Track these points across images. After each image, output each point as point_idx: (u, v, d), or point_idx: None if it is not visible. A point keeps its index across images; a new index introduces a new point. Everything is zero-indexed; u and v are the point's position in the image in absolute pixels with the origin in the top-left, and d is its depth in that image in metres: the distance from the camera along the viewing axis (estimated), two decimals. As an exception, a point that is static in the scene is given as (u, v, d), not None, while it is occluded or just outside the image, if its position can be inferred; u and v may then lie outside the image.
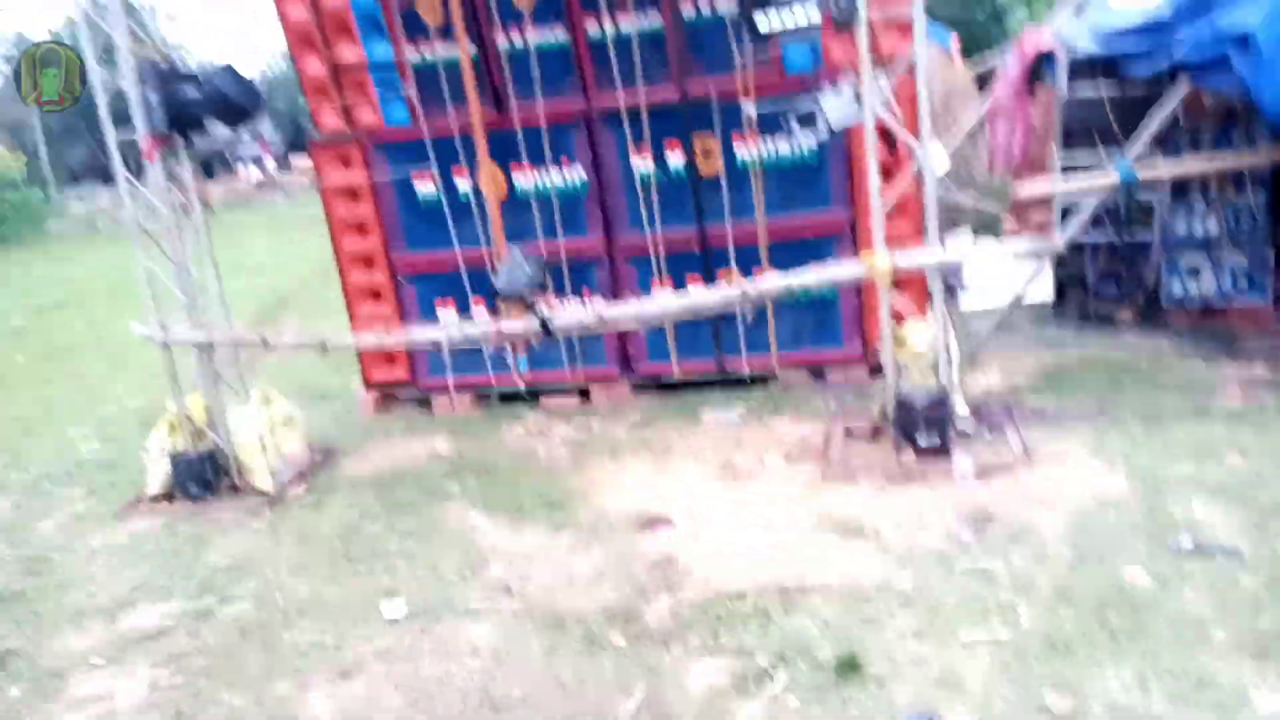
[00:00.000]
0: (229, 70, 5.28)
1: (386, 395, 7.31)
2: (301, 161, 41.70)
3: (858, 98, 4.57)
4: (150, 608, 4.35)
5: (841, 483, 4.73)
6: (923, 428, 4.72)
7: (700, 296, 4.92)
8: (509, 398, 6.98)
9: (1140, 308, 6.71)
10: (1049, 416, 5.32)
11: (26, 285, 18.67)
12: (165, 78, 5.10)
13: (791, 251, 6.24)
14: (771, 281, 4.74)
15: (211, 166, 48.58)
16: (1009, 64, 7.74)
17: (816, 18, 4.35)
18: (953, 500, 4.40)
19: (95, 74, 5.34)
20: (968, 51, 13.58)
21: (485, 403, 7.02)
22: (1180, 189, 6.32)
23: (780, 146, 6.10)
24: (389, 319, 7.00)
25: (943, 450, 4.73)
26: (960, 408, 5.01)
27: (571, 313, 5.08)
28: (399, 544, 4.75)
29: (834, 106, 4.52)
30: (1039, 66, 7.48)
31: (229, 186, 37.89)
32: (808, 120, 4.61)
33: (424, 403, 7.17)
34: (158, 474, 5.71)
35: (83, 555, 5.10)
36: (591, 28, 6.07)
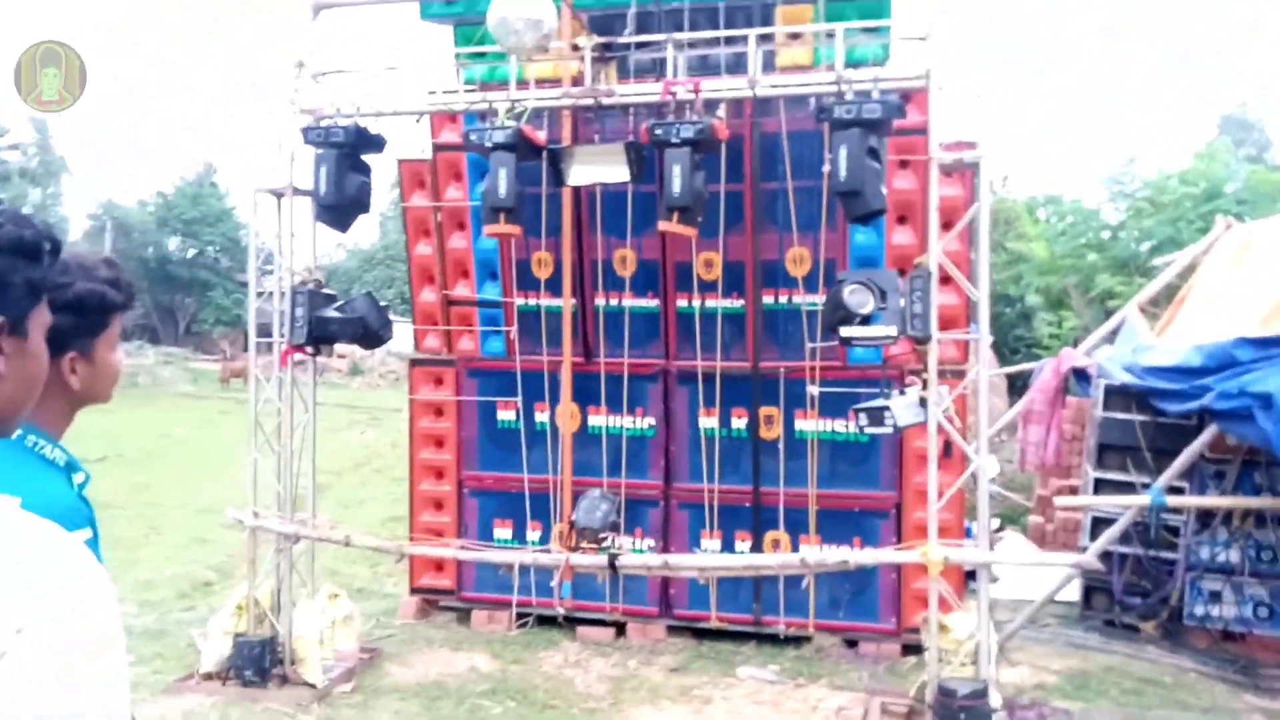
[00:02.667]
0: (369, 297, 6.02)
1: (428, 601, 7.55)
2: (342, 347, 43.49)
3: (922, 403, 5.17)
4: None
5: (879, 761, 4.91)
6: (960, 718, 4.94)
7: (762, 559, 5.32)
8: (545, 620, 7.20)
9: (1163, 623, 7.01)
10: (1076, 721, 5.53)
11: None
12: (314, 299, 5.81)
13: (838, 522, 6.69)
14: (831, 555, 5.15)
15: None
16: (1045, 373, 8.47)
17: (894, 332, 5.02)
18: (988, 795, 4.56)
19: (253, 286, 6.09)
20: (998, 348, 14.58)
21: (522, 622, 7.24)
22: (1205, 517, 6.79)
23: (837, 425, 6.68)
24: (446, 529, 7.39)
25: (978, 742, 4.93)
26: (995, 700, 5.24)
27: (641, 556, 5.46)
28: (447, 761, 4.91)
29: (902, 409, 5.11)
30: (1070, 380, 8.22)
31: (267, 361, 39.41)
32: (876, 416, 5.18)
33: (464, 614, 7.40)
34: (213, 653, 5.92)
35: (139, 727, 5.24)
36: (681, 301, 6.85)
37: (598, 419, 7.10)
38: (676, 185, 5.15)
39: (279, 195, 6.04)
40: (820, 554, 5.20)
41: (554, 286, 6.93)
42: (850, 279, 5.07)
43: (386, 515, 11.27)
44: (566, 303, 6.82)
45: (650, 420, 7.04)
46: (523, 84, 5.99)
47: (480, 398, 7.33)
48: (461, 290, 7.35)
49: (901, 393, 5.23)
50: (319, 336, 5.87)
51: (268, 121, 5.99)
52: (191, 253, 40.90)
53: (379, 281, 43.43)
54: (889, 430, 5.19)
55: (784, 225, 6.47)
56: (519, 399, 7.15)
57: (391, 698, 5.75)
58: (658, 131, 5.24)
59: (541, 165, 5.89)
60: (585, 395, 7.05)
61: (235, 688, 5.74)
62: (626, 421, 7.06)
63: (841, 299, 5.03)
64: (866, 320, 5.04)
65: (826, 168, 5.59)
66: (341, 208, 5.76)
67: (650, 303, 6.93)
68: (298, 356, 6.09)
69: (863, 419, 5.21)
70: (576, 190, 6.53)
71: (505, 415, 7.28)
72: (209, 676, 5.86)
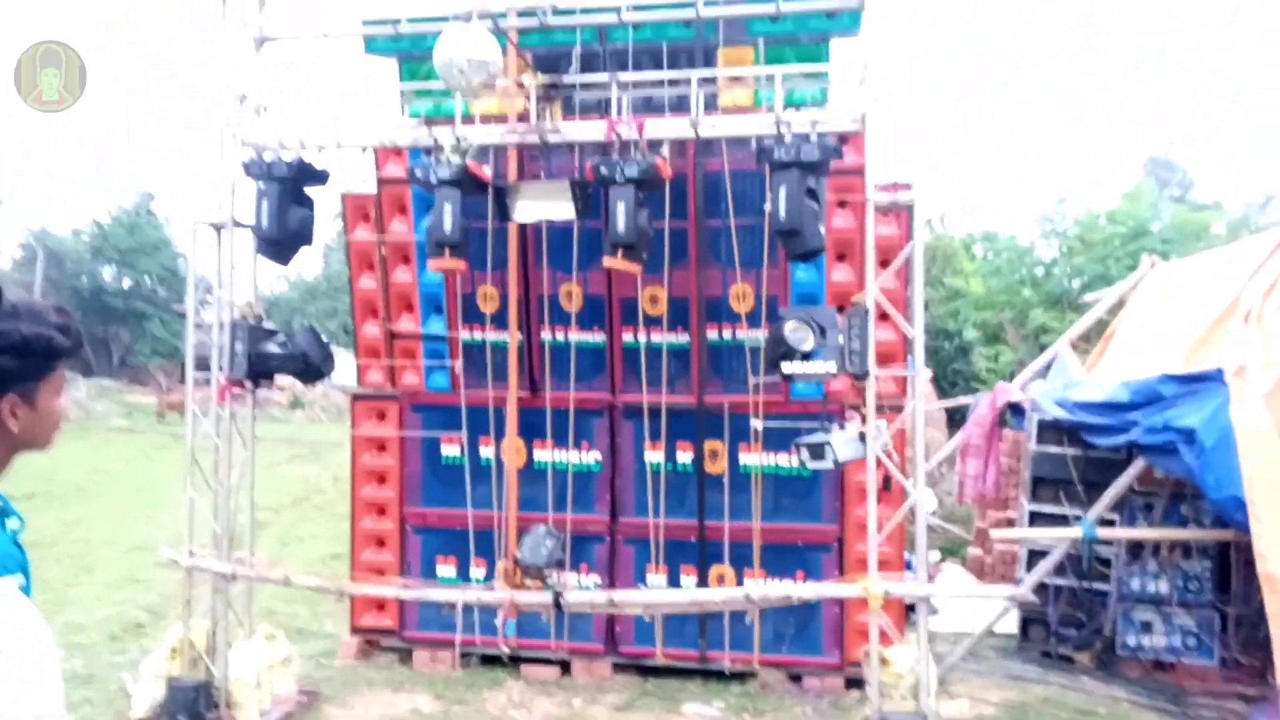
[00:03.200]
0: (311, 331, 5.95)
1: (369, 641, 7.41)
2: (283, 379, 42.68)
3: (862, 438, 5.26)
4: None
5: (822, 796, 4.92)
6: (902, 750, 4.99)
7: (707, 595, 5.33)
8: (489, 660, 7.10)
9: (1098, 653, 7.17)
10: (1015, 752, 5.61)
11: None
12: (254, 333, 5.73)
13: (782, 556, 6.75)
14: (775, 589, 5.19)
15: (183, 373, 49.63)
16: (981, 408, 8.67)
17: (833, 369, 5.12)
18: (929, 829, 4.60)
19: (191, 319, 5.99)
20: (937, 382, 14.87)
21: (466, 661, 7.14)
22: (1135, 548, 6.99)
23: (780, 460, 6.76)
24: (389, 567, 7.28)
25: (919, 776, 4.98)
26: (935, 733, 5.30)
27: (586, 594, 5.44)
28: (386, 806, 4.80)
29: (842, 444, 5.20)
30: (1006, 414, 8.42)
31: (205, 394, 38.46)
32: (817, 451, 5.26)
33: (405, 653, 7.27)
34: (145, 697, 5.73)
35: (62, 777, 5.04)
36: (627, 336, 6.89)
37: (543, 454, 7.08)
38: (621, 222, 5.22)
39: (219, 228, 5.96)
40: (764, 589, 5.24)
41: (500, 321, 6.93)
42: (791, 316, 5.16)
43: (327, 553, 11.06)
44: (513, 337, 6.81)
45: (596, 455, 7.04)
46: (468, 120, 6.02)
47: (424, 433, 7.27)
48: (406, 324, 7.30)
49: (842, 428, 5.32)
50: (259, 371, 5.79)
51: (207, 153, 5.91)
52: (127, 283, 39.89)
53: (322, 313, 42.81)
54: (829, 465, 5.27)
55: (727, 262, 6.57)
56: (463, 434, 7.10)
57: (329, 742, 5.62)
58: (602, 170, 5.31)
59: (487, 199, 5.91)
60: (531, 430, 7.03)
61: (166, 734, 5.56)
62: (572, 456, 7.06)
63: (783, 336, 5.11)
64: (807, 356, 5.13)
65: (768, 206, 5.72)
66: (283, 241, 5.71)
67: (596, 337, 6.97)
68: (237, 390, 5.99)
69: (804, 454, 5.29)
70: (522, 226, 6.56)
71: (449, 451, 7.23)
72: (138, 723, 5.67)
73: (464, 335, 7.13)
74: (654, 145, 5.51)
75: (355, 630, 7.37)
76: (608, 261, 5.39)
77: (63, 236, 38.88)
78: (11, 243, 42.60)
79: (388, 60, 7.22)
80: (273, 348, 5.75)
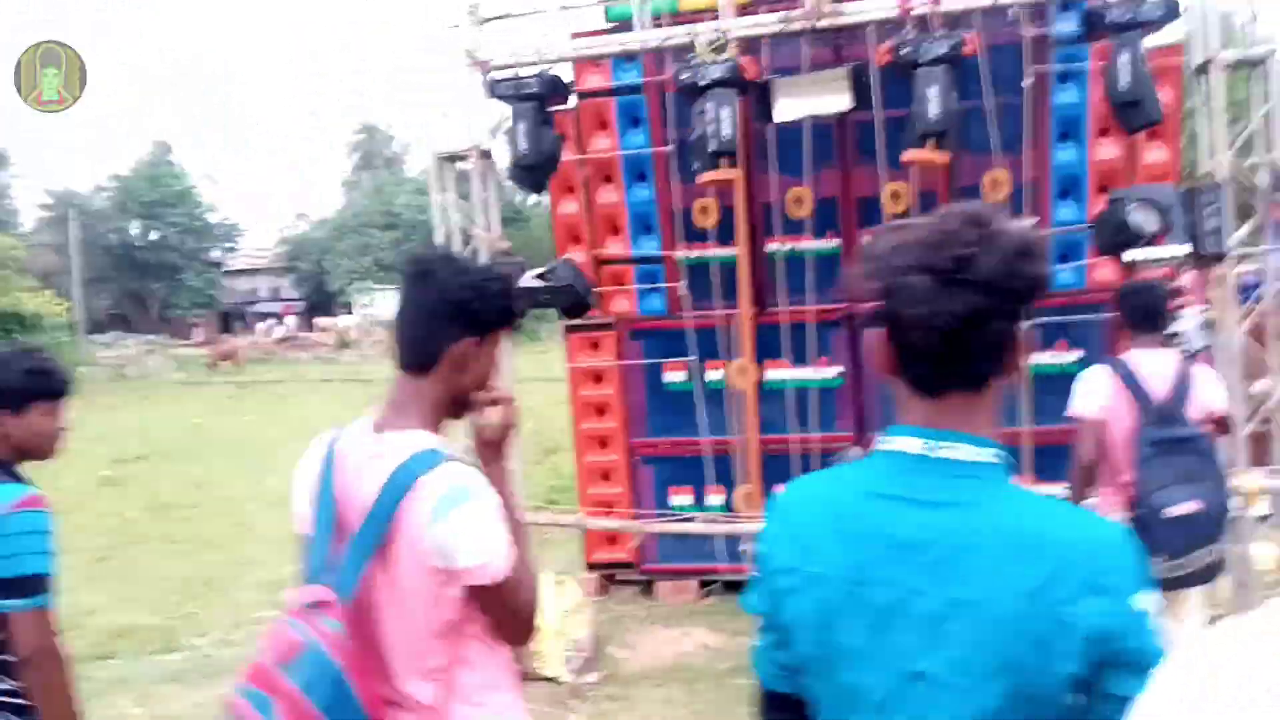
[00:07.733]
0: (568, 264, 5.56)
1: (606, 577, 7.22)
2: (324, 321, 42.45)
3: (1206, 325, 4.87)
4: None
5: None
6: None
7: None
8: (732, 586, 6.90)
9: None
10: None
11: (88, 434, 18.33)
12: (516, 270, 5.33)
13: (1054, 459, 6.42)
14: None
15: (230, 322, 49.36)
16: None
17: (1186, 250, 4.71)
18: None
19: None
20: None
21: (707, 590, 6.96)
22: None
23: (1045, 359, 6.38)
24: (618, 500, 7.03)
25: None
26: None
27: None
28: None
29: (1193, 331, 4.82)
30: None
31: (251, 342, 38.32)
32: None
33: (645, 586, 7.09)
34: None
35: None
36: (867, 239, 6.44)
37: (777, 373, 6.71)
38: (935, 108, 4.72)
39: (453, 160, 5.51)
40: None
41: (722, 236, 6.48)
42: (1131, 197, 4.71)
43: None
44: (741, 250, 6.37)
45: (837, 369, 6.67)
46: (657, 20, 5.54)
47: (644, 356, 6.91)
48: (613, 249, 6.87)
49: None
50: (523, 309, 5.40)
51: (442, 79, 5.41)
52: (154, 236, 39.33)
53: (354, 249, 42.22)
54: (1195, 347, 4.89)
55: (980, 148, 6.05)
56: (687, 358, 6.73)
57: (644, 687, 5.42)
58: (903, 51, 4.79)
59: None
60: (762, 349, 6.65)
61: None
62: (810, 373, 6.69)
63: (1124, 220, 4.68)
64: (1150, 242, 4.72)
65: (1026, 82, 5.27)
66: (538, 166, 5.26)
67: (830, 244, 6.52)
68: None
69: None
70: (746, 129, 6.06)
71: (672, 376, 6.87)
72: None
73: (681, 254, 6.69)
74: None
75: (592, 566, 7.16)
76: (913, 155, 4.92)
77: (85, 194, 38.14)
78: (31, 204, 41.85)
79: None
80: (538, 283, 5.35)
